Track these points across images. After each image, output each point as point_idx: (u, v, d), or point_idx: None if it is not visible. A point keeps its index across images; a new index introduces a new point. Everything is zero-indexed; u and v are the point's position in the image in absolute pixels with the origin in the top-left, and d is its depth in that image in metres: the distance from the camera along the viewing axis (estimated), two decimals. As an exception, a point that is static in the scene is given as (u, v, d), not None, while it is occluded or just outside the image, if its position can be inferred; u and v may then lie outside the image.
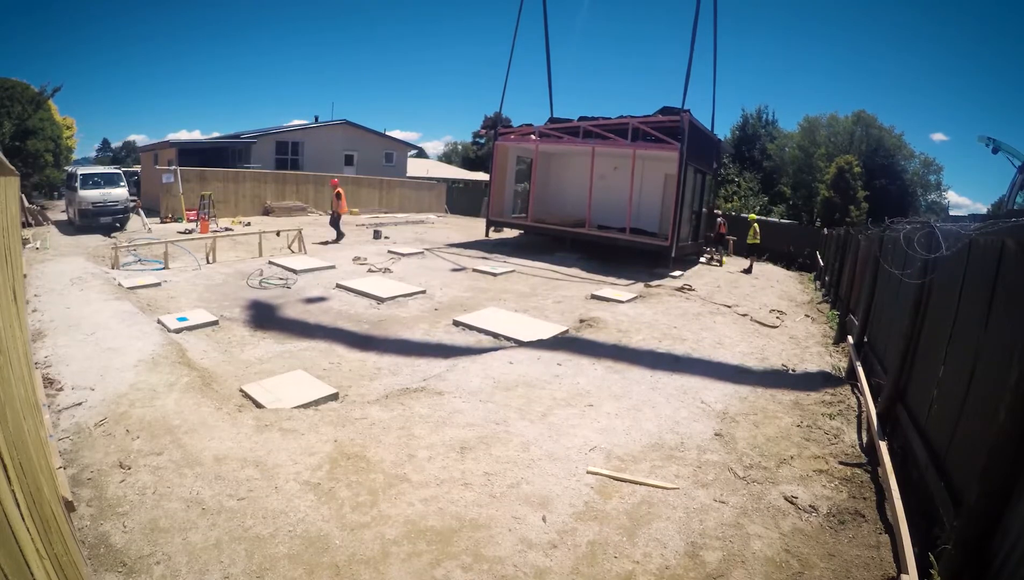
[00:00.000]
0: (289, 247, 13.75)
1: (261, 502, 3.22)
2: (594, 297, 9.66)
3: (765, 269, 16.04)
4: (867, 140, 28.39)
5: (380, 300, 8.80)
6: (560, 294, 9.90)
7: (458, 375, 5.53)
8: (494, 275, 11.49)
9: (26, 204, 17.28)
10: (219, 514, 3.09)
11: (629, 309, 8.93)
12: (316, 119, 30.29)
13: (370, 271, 11.34)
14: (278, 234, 14.53)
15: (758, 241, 15.66)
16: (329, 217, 16.55)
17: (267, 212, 22.05)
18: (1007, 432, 2.32)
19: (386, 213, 24.09)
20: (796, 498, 3.57)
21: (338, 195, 15.75)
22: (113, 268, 10.60)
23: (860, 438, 4.52)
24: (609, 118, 14.92)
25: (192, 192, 20.71)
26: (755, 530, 3.23)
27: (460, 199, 30.58)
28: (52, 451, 3.30)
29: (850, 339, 6.81)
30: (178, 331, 6.66)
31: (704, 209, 16.64)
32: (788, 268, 16.98)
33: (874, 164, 26.74)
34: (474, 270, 11.91)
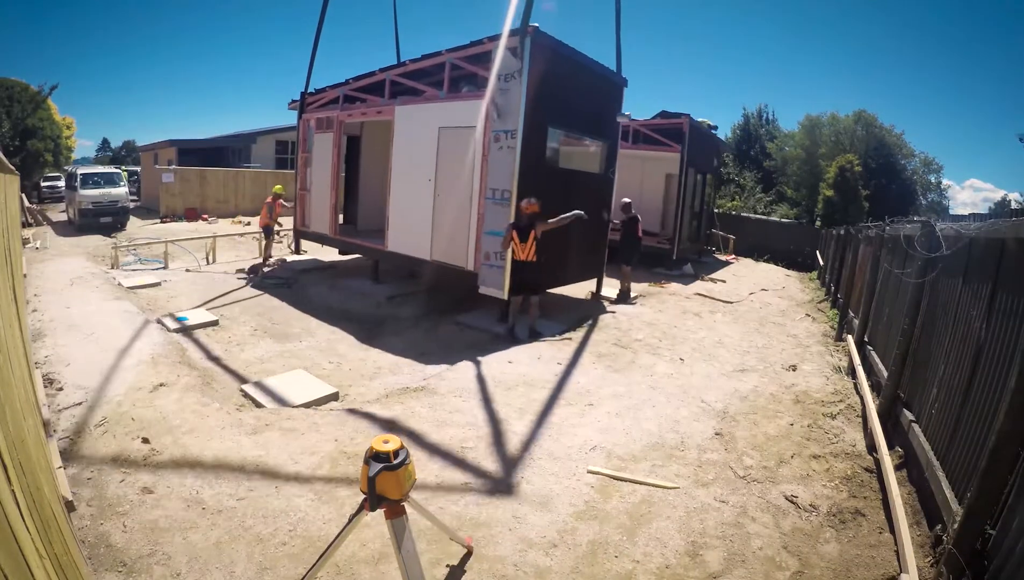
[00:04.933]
0: (289, 246, 13.76)
1: (261, 502, 3.22)
2: (594, 296, 9.65)
3: (764, 269, 16.04)
4: (867, 139, 28.36)
5: (381, 299, 8.80)
6: (560, 293, 9.89)
7: (458, 374, 5.53)
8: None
9: (26, 204, 17.29)
10: (219, 514, 3.09)
11: (629, 308, 8.92)
12: (316, 118, 30.20)
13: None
14: (278, 233, 14.55)
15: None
16: None
17: (267, 212, 22.04)
18: (1008, 432, 2.32)
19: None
20: (796, 497, 3.57)
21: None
22: (113, 268, 10.62)
23: (861, 437, 4.52)
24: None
25: (191, 192, 20.74)
26: (755, 529, 3.23)
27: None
28: (52, 451, 3.30)
29: (850, 338, 6.80)
30: (178, 331, 6.67)
31: (705, 209, 16.56)
32: (788, 268, 16.97)
33: (875, 163, 26.72)
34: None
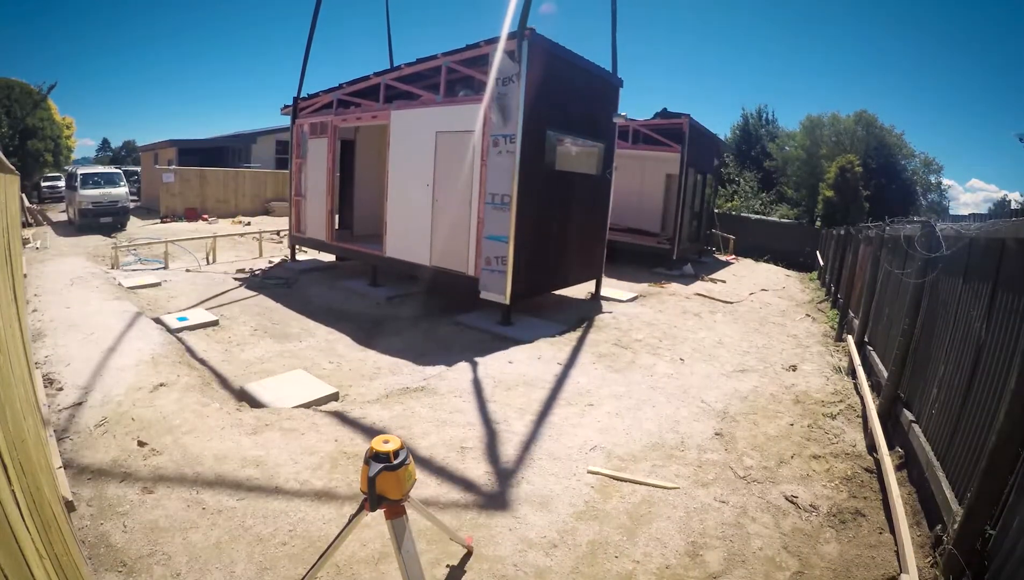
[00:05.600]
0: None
1: (261, 502, 3.22)
2: (593, 297, 9.65)
3: (764, 269, 16.03)
4: (868, 140, 28.39)
5: (381, 299, 8.80)
6: (559, 294, 9.90)
7: (458, 374, 5.53)
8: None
9: (26, 204, 17.30)
10: (219, 514, 3.09)
11: (629, 308, 8.93)
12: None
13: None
14: (279, 233, 14.55)
15: None
16: None
17: (267, 211, 22.08)
18: (1008, 432, 2.32)
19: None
20: (796, 497, 3.57)
21: None
22: (113, 268, 10.61)
23: (861, 437, 4.52)
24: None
25: (191, 192, 20.75)
26: (755, 529, 3.23)
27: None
28: (52, 451, 3.30)
29: (850, 338, 6.81)
30: (178, 331, 6.66)
31: (705, 209, 16.56)
32: (788, 268, 16.98)
33: (875, 163, 26.73)
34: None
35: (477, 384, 5.26)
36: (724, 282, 12.44)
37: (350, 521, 2.33)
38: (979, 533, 2.44)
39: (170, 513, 3.07)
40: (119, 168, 21.03)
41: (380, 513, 2.25)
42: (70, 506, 2.97)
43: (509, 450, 4.01)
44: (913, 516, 3.28)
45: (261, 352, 6.37)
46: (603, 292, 9.78)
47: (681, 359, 6.39)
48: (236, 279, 10.04)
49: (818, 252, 16.56)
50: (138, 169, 30.20)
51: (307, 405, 4.75)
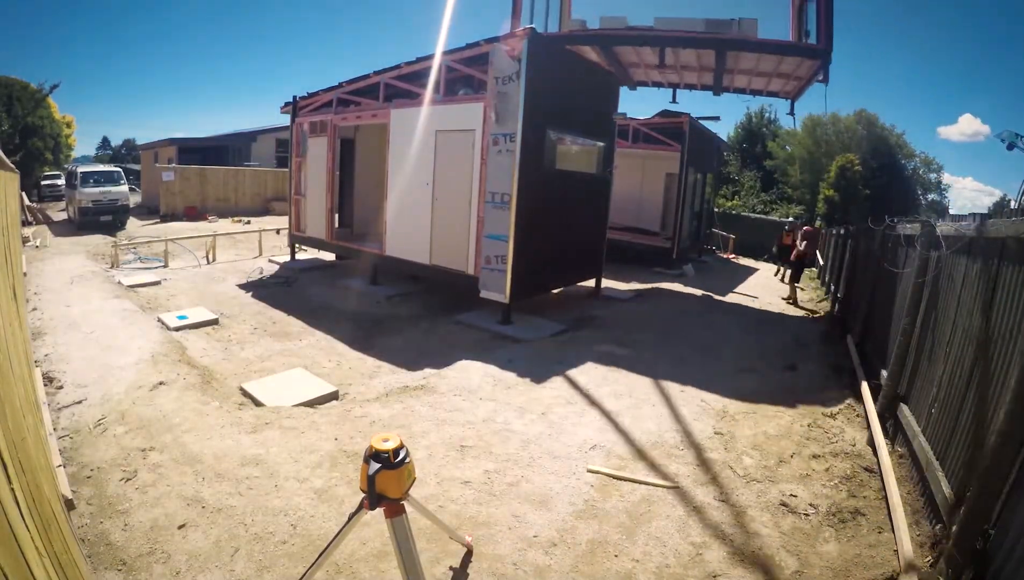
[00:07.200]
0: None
1: (261, 500, 3.22)
2: (593, 295, 9.65)
3: (765, 268, 16.02)
4: (868, 139, 28.43)
5: (381, 298, 8.80)
6: (559, 292, 9.90)
7: (458, 373, 5.53)
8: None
9: (26, 202, 17.29)
10: (219, 512, 3.09)
11: (629, 307, 8.93)
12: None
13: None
14: (278, 232, 14.54)
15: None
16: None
17: (268, 210, 22.07)
18: (1007, 432, 2.32)
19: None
20: (796, 497, 3.57)
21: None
22: (113, 266, 10.61)
23: (860, 436, 4.52)
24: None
25: (192, 190, 20.74)
26: (755, 529, 3.23)
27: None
28: (52, 449, 3.31)
29: (850, 338, 6.81)
30: (178, 329, 6.66)
31: (705, 208, 16.54)
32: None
33: (876, 163, 26.74)
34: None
35: (477, 383, 5.26)
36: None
37: (350, 520, 2.33)
38: (979, 532, 2.44)
39: (170, 512, 3.07)
40: (118, 166, 21.01)
41: (380, 512, 2.25)
42: (70, 504, 2.97)
43: (509, 449, 4.01)
44: (912, 515, 3.28)
45: (261, 350, 6.37)
46: (603, 291, 9.78)
47: (681, 358, 6.39)
48: (236, 278, 10.04)
49: (818, 252, 16.55)
50: (138, 167, 30.20)
51: (307, 403, 4.75)
